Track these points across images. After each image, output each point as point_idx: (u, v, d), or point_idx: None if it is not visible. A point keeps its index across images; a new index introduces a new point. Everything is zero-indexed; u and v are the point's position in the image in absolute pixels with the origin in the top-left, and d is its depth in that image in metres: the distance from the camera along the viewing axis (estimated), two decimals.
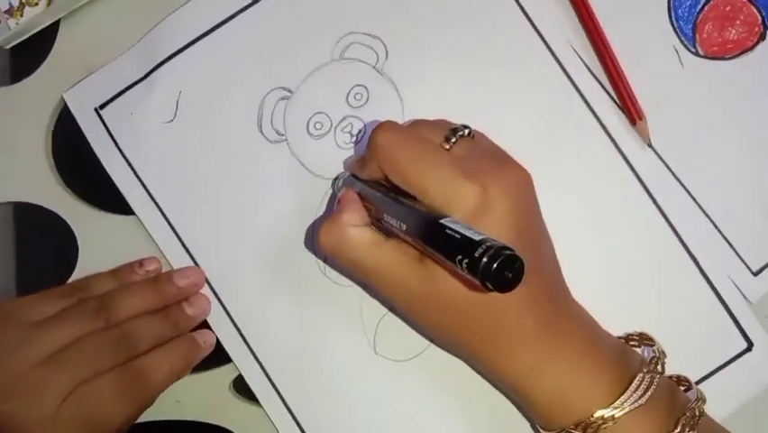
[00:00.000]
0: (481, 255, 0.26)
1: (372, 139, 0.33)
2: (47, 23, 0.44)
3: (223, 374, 0.41)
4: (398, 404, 0.39)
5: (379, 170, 0.34)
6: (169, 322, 0.39)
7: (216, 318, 0.41)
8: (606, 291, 0.38)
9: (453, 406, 0.39)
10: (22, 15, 0.43)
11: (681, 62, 0.40)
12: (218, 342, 0.41)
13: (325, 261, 0.40)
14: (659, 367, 0.32)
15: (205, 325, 0.41)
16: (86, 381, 0.35)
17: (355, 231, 0.34)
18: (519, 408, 0.37)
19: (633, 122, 0.39)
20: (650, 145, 0.39)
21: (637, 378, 0.31)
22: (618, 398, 0.31)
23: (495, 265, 0.26)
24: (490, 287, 0.26)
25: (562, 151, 0.39)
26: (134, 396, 0.37)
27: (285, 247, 0.41)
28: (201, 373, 0.41)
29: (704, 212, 0.39)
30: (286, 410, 0.40)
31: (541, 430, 0.34)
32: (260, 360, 0.40)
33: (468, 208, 0.30)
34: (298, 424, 0.40)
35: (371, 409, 0.39)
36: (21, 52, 0.45)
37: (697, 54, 0.40)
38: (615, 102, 0.39)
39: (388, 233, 0.34)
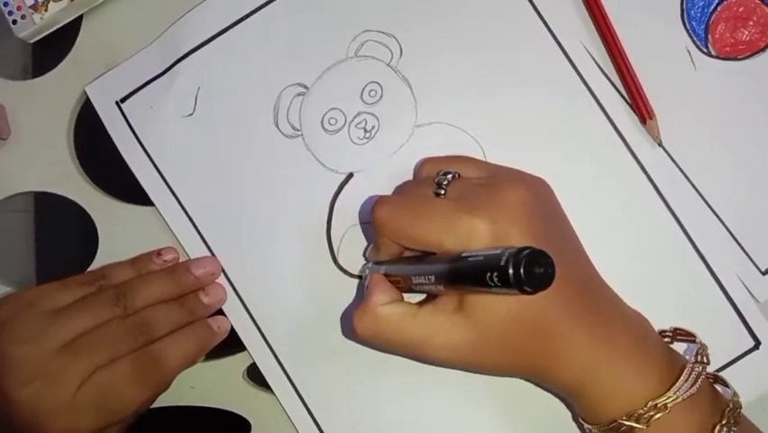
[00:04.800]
0: (506, 262, 0.26)
1: (373, 219, 0.34)
2: (70, 18, 0.45)
3: (237, 362, 0.42)
4: (409, 393, 0.40)
5: (394, 245, 0.35)
6: (185, 310, 0.40)
7: (231, 307, 0.42)
8: (614, 289, 0.38)
9: (465, 396, 0.39)
10: (46, 10, 0.44)
11: (692, 63, 0.40)
12: (233, 330, 0.41)
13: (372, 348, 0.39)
14: (705, 359, 0.33)
15: (220, 313, 0.41)
16: (104, 366, 0.36)
17: (386, 309, 0.34)
18: (568, 404, 0.38)
19: (643, 120, 0.39)
20: (660, 144, 0.40)
21: (687, 368, 0.32)
22: (670, 388, 0.31)
23: (522, 266, 0.26)
24: (528, 289, 0.26)
25: (573, 148, 0.40)
26: (150, 380, 0.38)
27: (298, 238, 0.41)
28: (215, 360, 0.42)
29: (713, 211, 0.39)
30: (298, 398, 0.41)
31: (585, 423, 0.34)
32: (274, 348, 0.41)
33: (485, 243, 0.31)
34: (310, 411, 0.40)
35: (381, 398, 0.40)
36: (44, 47, 0.46)
37: (709, 55, 0.40)
38: (626, 101, 0.40)
39: (424, 294, 0.35)
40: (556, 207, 0.35)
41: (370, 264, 0.39)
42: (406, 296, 0.36)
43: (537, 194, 0.34)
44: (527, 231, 0.31)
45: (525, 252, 0.26)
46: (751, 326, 0.38)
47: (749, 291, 0.39)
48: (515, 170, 0.36)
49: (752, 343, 0.38)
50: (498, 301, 0.31)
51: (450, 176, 0.35)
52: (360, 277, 0.41)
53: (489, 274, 0.27)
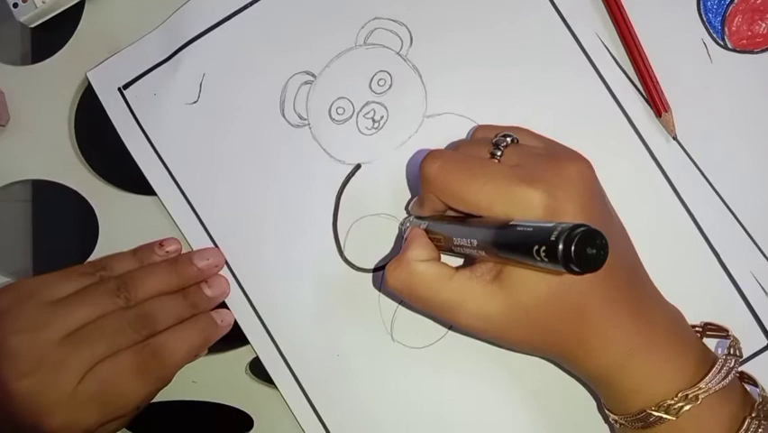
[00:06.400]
0: (557, 238, 0.25)
1: (422, 173, 0.33)
2: (72, 3, 0.44)
3: (239, 356, 0.41)
4: (413, 391, 0.39)
5: (439, 202, 0.33)
6: (188, 303, 0.39)
7: (235, 300, 0.41)
8: None
9: (468, 395, 0.39)
10: None
11: (708, 55, 0.39)
12: (236, 324, 0.41)
13: (401, 303, 0.39)
14: (737, 352, 0.33)
15: (223, 306, 0.41)
16: (105, 359, 0.36)
17: (422, 266, 0.33)
18: (593, 394, 0.37)
19: (658, 114, 0.39)
20: (675, 138, 0.39)
21: (720, 360, 0.32)
22: (702, 379, 0.31)
23: (573, 244, 0.25)
24: (576, 269, 0.25)
25: (586, 141, 0.39)
26: (152, 374, 0.37)
27: (304, 231, 0.41)
28: (218, 354, 0.41)
29: (728, 207, 0.39)
30: (301, 393, 0.40)
31: (611, 414, 0.34)
32: (277, 342, 0.40)
33: (537, 216, 0.30)
34: (313, 407, 0.40)
35: (386, 394, 0.39)
36: (45, 31, 0.45)
37: (725, 47, 0.39)
38: (641, 94, 0.39)
39: (463, 258, 0.34)
40: (602, 188, 0.34)
41: (411, 217, 0.38)
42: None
43: (594, 173, 0.32)
44: (584, 209, 0.30)
45: (580, 229, 0.25)
46: (765, 324, 0.38)
47: (763, 290, 0.38)
48: (571, 148, 0.35)
49: (765, 341, 0.38)
50: (540, 278, 0.30)
51: (509, 139, 0.33)
52: (366, 270, 0.40)
53: (536, 248, 0.26)
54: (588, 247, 0.25)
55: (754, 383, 0.34)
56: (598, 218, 0.31)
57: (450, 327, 0.39)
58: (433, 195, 0.33)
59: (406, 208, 0.40)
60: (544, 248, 0.25)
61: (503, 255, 0.29)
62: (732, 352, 0.32)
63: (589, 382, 0.35)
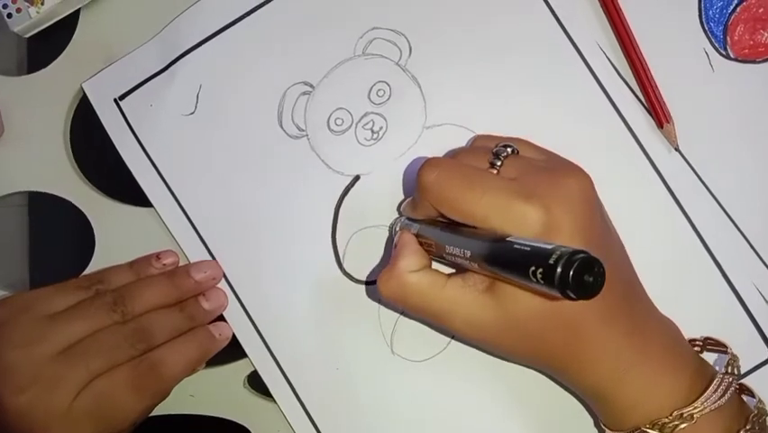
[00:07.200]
0: (556, 262, 0.24)
1: (419, 179, 0.33)
2: (67, 12, 0.44)
3: (237, 369, 0.41)
4: (413, 404, 0.39)
5: (433, 209, 0.33)
6: (185, 316, 0.39)
7: (233, 313, 0.41)
8: None
9: (467, 409, 0.38)
10: (43, 4, 0.43)
11: (710, 65, 0.39)
12: (234, 337, 0.40)
13: (402, 313, 0.39)
14: (735, 370, 0.32)
15: (221, 319, 0.41)
16: (101, 374, 0.35)
17: (414, 277, 0.33)
18: (590, 410, 0.37)
19: (660, 125, 0.38)
20: (677, 149, 0.39)
21: (717, 379, 0.31)
22: (698, 398, 0.30)
23: (572, 271, 0.24)
24: (572, 295, 0.25)
25: (588, 152, 0.38)
26: (149, 388, 0.37)
27: (303, 243, 0.40)
28: (216, 367, 0.41)
29: (730, 217, 0.38)
30: (300, 407, 0.40)
31: (606, 430, 0.33)
32: (276, 356, 0.40)
33: (534, 232, 0.29)
34: (312, 421, 0.39)
35: (386, 408, 0.39)
36: (40, 41, 0.45)
37: (727, 57, 0.39)
38: (642, 104, 0.39)
39: (453, 267, 0.33)
40: (601, 203, 0.33)
41: (402, 219, 0.37)
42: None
43: (593, 188, 0.32)
44: (582, 225, 0.30)
45: (580, 255, 0.24)
46: (767, 335, 0.37)
47: (765, 300, 0.38)
48: (571, 161, 0.34)
49: None
50: (533, 294, 0.30)
51: (510, 150, 0.33)
52: (365, 282, 0.40)
53: (533, 269, 0.25)
54: (586, 274, 0.25)
55: (752, 394, 0.33)
56: (596, 234, 0.31)
57: (452, 337, 0.39)
58: (427, 202, 0.33)
59: (398, 209, 0.39)
60: (540, 270, 0.25)
61: (496, 272, 0.29)
62: (729, 370, 0.32)
63: (584, 397, 0.35)
